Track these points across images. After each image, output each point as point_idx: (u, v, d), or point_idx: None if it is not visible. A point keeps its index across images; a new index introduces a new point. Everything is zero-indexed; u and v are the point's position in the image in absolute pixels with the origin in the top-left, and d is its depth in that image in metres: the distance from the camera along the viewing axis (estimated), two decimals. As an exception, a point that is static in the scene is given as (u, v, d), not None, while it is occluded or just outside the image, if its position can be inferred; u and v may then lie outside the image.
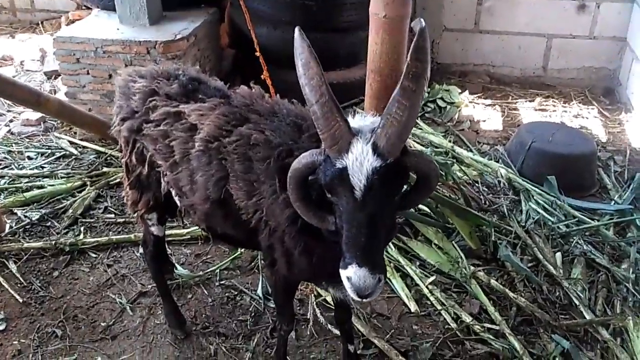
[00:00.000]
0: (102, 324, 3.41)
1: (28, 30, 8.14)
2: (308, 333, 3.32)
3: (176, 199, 2.79)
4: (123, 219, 4.31)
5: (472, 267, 3.74)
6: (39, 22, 8.19)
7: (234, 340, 3.29)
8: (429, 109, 6.10)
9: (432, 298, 3.55)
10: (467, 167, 4.93)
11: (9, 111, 5.94)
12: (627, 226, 4.21)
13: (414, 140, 5.32)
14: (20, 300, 3.55)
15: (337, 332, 3.27)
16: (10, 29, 8.19)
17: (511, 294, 3.51)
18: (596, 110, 6.27)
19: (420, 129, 5.55)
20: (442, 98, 6.23)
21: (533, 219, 4.23)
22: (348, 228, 1.83)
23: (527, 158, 4.77)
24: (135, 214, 3.05)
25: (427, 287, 3.62)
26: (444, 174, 4.19)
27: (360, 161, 1.77)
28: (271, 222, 2.33)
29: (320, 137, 1.86)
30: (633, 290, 3.57)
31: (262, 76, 3.96)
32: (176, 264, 3.79)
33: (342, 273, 1.86)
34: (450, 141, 5.33)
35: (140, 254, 3.92)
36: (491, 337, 3.26)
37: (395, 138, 1.76)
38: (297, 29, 1.88)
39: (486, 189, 4.66)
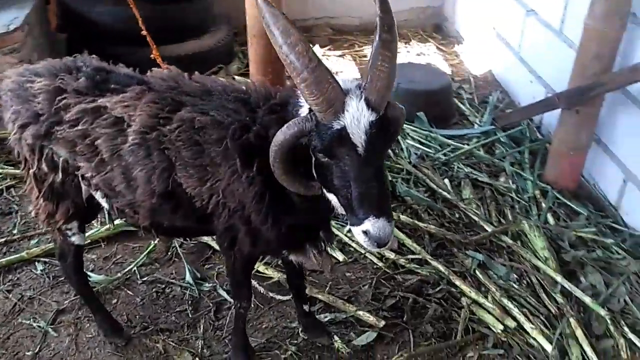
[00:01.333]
0: (28, 354, 3.09)
1: None
2: (252, 305, 3.32)
3: (103, 201, 2.59)
4: (4, 239, 3.86)
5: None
6: None
7: (179, 332, 3.19)
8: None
9: (353, 244, 3.73)
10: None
11: None
12: (493, 144, 4.74)
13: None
14: None
15: (280, 297, 3.34)
16: None
17: (421, 224, 3.82)
18: (433, 46, 6.83)
19: (286, 88, 5.63)
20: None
21: (415, 154, 4.57)
22: (357, 185, 1.87)
23: (395, 99, 5.08)
24: (51, 227, 2.77)
25: (345, 235, 3.79)
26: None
27: (357, 118, 1.82)
28: (230, 204, 2.28)
29: (311, 104, 1.84)
30: (517, 198, 4.08)
31: (151, 56, 3.72)
32: (89, 273, 3.52)
33: (355, 230, 1.91)
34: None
35: (42, 270, 3.58)
36: (417, 266, 3.55)
37: (384, 89, 1.84)
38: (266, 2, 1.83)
39: (365, 135, 4.90)
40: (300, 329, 3.15)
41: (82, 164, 2.44)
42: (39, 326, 3.24)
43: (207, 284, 3.45)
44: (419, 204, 4.04)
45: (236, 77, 5.79)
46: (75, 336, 3.19)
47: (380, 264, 3.59)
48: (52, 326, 3.24)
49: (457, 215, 3.98)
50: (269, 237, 2.34)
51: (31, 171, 2.60)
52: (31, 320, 3.28)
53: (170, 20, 5.50)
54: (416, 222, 3.85)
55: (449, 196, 4.09)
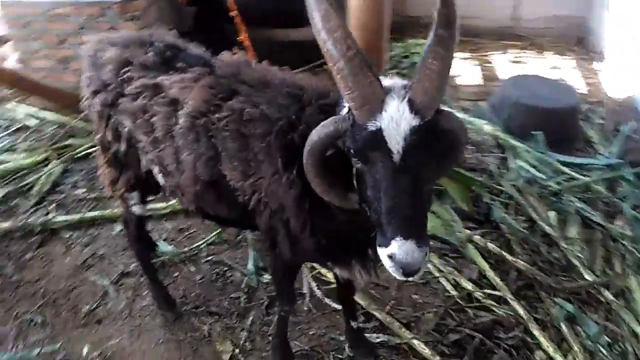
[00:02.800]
0: (85, 308, 3.20)
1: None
2: (305, 308, 3.17)
3: (159, 177, 2.55)
4: (95, 195, 4.04)
5: (467, 231, 3.64)
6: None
7: (227, 319, 3.12)
8: (404, 65, 5.91)
9: (429, 265, 3.44)
10: (451, 125, 4.79)
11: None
12: (616, 181, 4.16)
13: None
14: (-7, 287, 3.31)
15: (335, 305, 3.15)
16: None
17: (509, 257, 3.43)
18: (571, 60, 6.19)
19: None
20: (416, 53, 6.04)
21: (523, 177, 4.14)
22: (388, 198, 1.61)
23: (512, 113, 4.64)
24: (114, 194, 2.80)
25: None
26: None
27: (396, 121, 1.57)
28: (271, 204, 2.13)
29: (346, 99, 1.63)
30: (631, 248, 3.53)
31: (239, 38, 3.66)
32: (159, 242, 3.57)
33: (381, 252, 1.64)
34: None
35: (120, 231, 3.68)
36: (493, 303, 3.18)
37: (433, 92, 1.57)
38: None
39: (473, 147, 4.54)
40: (346, 344, 2.95)
41: (141, 137, 2.41)
42: (103, 284, 3.33)
43: (267, 275, 3.35)
44: (514, 234, 3.64)
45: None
46: (131, 300, 3.24)
47: (454, 293, 3.26)
48: (113, 286, 3.33)
49: (554, 255, 3.52)
50: (307, 246, 2.15)
51: (99, 136, 2.62)
52: (97, 277, 3.38)
53: (289, 4, 5.45)
54: (504, 253, 3.46)
55: (550, 231, 3.63)
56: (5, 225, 3.70)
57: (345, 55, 1.58)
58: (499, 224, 3.72)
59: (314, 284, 3.26)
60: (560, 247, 3.54)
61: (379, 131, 1.59)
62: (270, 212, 2.17)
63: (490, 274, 3.35)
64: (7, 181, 4.18)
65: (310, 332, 3.05)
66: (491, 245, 3.53)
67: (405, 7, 6.97)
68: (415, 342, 2.93)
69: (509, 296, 3.20)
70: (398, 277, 1.64)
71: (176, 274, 3.42)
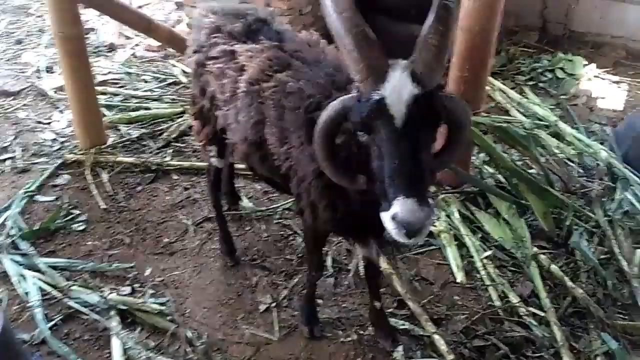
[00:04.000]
0: (165, 240, 3.70)
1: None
2: (347, 283, 3.35)
3: (228, 134, 2.90)
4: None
5: (535, 249, 3.53)
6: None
7: (276, 276, 3.42)
8: (544, 79, 5.69)
9: (482, 272, 3.41)
10: (568, 144, 4.57)
11: (136, 35, 6.41)
12: None
13: (516, 109, 5.03)
14: (103, 207, 3.95)
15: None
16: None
17: (570, 283, 3.28)
18: None
19: (527, 98, 5.21)
20: (562, 68, 5.76)
21: (623, 209, 3.85)
22: (389, 161, 1.76)
23: (634, 145, 4.30)
24: (198, 144, 3.22)
25: (481, 260, 3.48)
26: (528, 150, 3.87)
27: (399, 89, 1.74)
28: (299, 172, 2.36)
29: (352, 73, 1.82)
30: None
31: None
32: (243, 197, 3.98)
33: (384, 216, 1.77)
34: (556, 115, 4.95)
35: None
36: (534, 322, 3.09)
37: (433, 63, 1.74)
38: None
39: (581, 171, 4.30)
40: (370, 323, 3.09)
41: (219, 96, 2.77)
42: (186, 223, 3.82)
43: (325, 247, 3.57)
44: (585, 262, 3.45)
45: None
46: (203, 242, 3.68)
47: (497, 303, 3.22)
48: (194, 227, 3.79)
49: (621, 291, 3.29)
50: (324, 217, 2.35)
51: (191, 90, 3.04)
52: (184, 216, 3.88)
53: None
54: (565, 278, 3.31)
55: (626, 267, 3.38)
56: (130, 159, 4.36)
57: (351, 31, 1.78)
58: (574, 249, 3.55)
59: (362, 263, 3.43)
60: (631, 285, 3.29)
61: (382, 99, 1.75)
62: (298, 179, 2.40)
63: (543, 294, 3.24)
64: (145, 124, 4.88)
65: (343, 305, 3.23)
66: (554, 268, 3.39)
67: (569, 20, 6.63)
68: (437, 337, 2.97)
69: (553, 319, 3.08)
70: (402, 240, 1.76)
71: (248, 228, 3.79)
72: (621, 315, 3.14)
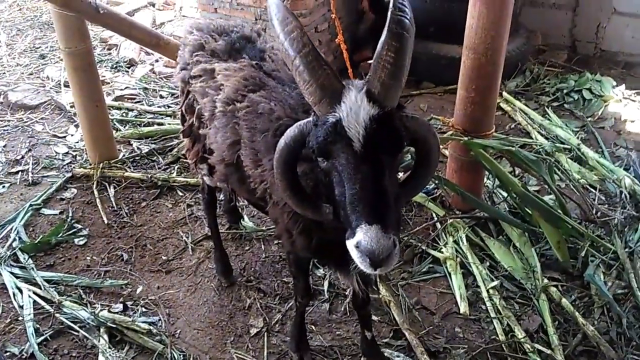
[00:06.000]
0: (163, 257, 3.64)
1: (199, -21, 8.71)
2: (342, 309, 3.22)
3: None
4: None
5: (546, 280, 3.33)
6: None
7: (270, 299, 3.31)
8: (570, 100, 5.45)
9: (488, 303, 3.23)
10: (590, 169, 4.35)
11: (157, 51, 6.45)
12: None
13: (537, 131, 4.83)
14: (106, 222, 3.92)
15: (373, 316, 3.14)
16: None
17: (581, 319, 3.07)
18: None
19: (549, 119, 5.00)
20: (589, 89, 5.51)
21: (645, 246, 3.62)
22: (351, 187, 1.67)
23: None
24: (189, 161, 3.16)
25: (487, 290, 3.30)
26: (540, 175, 3.68)
27: (355, 110, 1.65)
28: (274, 196, 2.26)
29: (306, 96, 1.74)
30: None
31: (336, 40, 3.79)
32: (245, 216, 3.89)
33: (348, 244, 1.68)
34: (579, 138, 4.73)
35: (220, 199, 4.09)
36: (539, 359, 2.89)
37: (389, 81, 1.65)
38: None
39: (603, 198, 4.08)
40: (361, 353, 2.95)
41: (203, 114, 2.70)
42: (185, 241, 3.76)
43: (322, 271, 3.46)
44: (600, 297, 3.23)
45: (506, 95, 5.36)
46: (201, 261, 3.61)
47: (501, 337, 3.03)
48: (193, 245, 3.73)
49: (637, 330, 3.05)
50: (299, 243, 2.24)
51: (180, 107, 2.99)
52: (184, 234, 3.82)
53: (456, 18, 5.38)
54: (577, 314, 3.10)
55: (644, 305, 3.16)
56: (137, 175, 4.34)
57: (300, 52, 1.70)
58: (588, 282, 3.33)
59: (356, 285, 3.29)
60: (646, 328, 3.06)
61: (339, 122, 1.66)
62: (273, 203, 2.30)
63: (551, 330, 3.04)
64: (156, 140, 4.87)
65: (337, 332, 3.10)
66: (565, 302, 3.18)
67: (600, 39, 6.39)
68: (431, 372, 2.82)
69: (560, 357, 2.88)
70: (367, 270, 1.66)
71: (247, 247, 3.70)
72: (635, 357, 2.91)
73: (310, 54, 1.68)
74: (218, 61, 2.60)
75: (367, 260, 1.62)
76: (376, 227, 1.60)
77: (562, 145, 4.59)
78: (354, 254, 1.66)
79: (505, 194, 3.93)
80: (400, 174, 2.66)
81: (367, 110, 1.65)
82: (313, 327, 3.12)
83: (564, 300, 3.20)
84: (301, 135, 1.78)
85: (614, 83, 5.64)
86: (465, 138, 3.54)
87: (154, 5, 7.64)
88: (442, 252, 3.55)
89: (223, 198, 3.79)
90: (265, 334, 3.09)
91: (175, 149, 4.70)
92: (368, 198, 1.64)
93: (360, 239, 1.61)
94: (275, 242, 3.71)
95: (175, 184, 4.28)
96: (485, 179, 3.99)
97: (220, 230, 3.60)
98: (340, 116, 1.66)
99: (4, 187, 4.30)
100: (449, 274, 3.43)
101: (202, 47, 2.71)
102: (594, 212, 3.87)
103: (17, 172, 4.47)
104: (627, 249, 3.55)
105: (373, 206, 1.64)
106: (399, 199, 1.83)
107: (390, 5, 1.66)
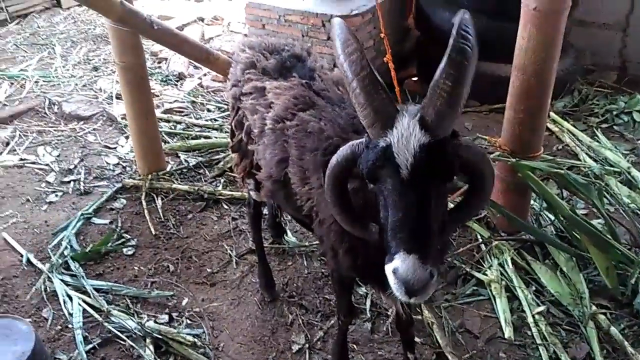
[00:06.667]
0: (208, 270, 3.70)
1: (247, -6, 8.86)
2: (384, 329, 3.22)
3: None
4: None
5: (594, 307, 3.25)
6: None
7: (312, 315, 3.33)
8: (620, 122, 5.34)
9: (534, 329, 3.17)
10: (640, 194, 4.24)
11: (205, 66, 6.59)
12: None
13: (586, 153, 4.74)
14: (153, 233, 4.01)
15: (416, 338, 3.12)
16: (231, -9, 9.01)
17: (630, 349, 2.99)
18: None
19: (598, 141, 4.90)
20: (638, 111, 5.38)
21: None
22: (394, 213, 1.67)
23: None
24: (237, 176, 3.22)
25: (533, 316, 3.25)
26: (589, 199, 3.60)
27: (406, 137, 1.64)
28: (320, 215, 2.28)
29: (361, 117, 1.75)
30: None
31: (384, 59, 3.80)
32: (288, 231, 3.93)
33: (387, 269, 1.69)
34: (630, 161, 4.62)
35: (264, 214, 4.14)
36: (585, 390, 2.83)
37: (444, 111, 1.63)
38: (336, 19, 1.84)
39: (652, 223, 3.96)
40: (404, 375, 2.93)
41: (253, 130, 2.75)
42: (230, 254, 3.81)
43: (364, 289, 3.46)
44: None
45: (554, 115, 5.27)
46: (244, 275, 3.65)
47: (548, 365, 2.98)
48: (237, 258, 3.78)
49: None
50: (344, 262, 2.25)
51: (230, 122, 3.05)
52: (229, 247, 3.88)
53: (503, 37, 5.34)
54: (626, 343, 3.02)
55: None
56: (184, 187, 4.43)
57: (358, 75, 1.72)
58: (638, 311, 3.24)
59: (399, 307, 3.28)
60: (703, 358, 2.95)
61: (389, 147, 1.66)
62: (319, 221, 2.33)
63: (599, 359, 2.97)
64: (203, 153, 4.96)
65: (379, 352, 3.09)
66: (614, 330, 3.10)
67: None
68: (474, 397, 2.78)
69: (605, 390, 2.81)
70: (402, 298, 1.67)
71: (290, 263, 3.73)
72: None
73: (368, 77, 1.70)
74: (269, 79, 2.66)
75: (402, 288, 1.62)
76: (414, 257, 1.60)
77: (611, 168, 4.49)
78: (391, 279, 1.67)
79: (552, 217, 3.87)
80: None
81: (418, 138, 1.64)
82: (355, 347, 3.12)
83: (612, 328, 3.12)
84: (353, 155, 1.80)
85: (665, 105, 5.49)
86: (513, 159, 3.51)
87: (202, 20, 7.81)
88: (486, 275, 3.52)
89: (268, 213, 3.83)
90: (307, 351, 3.11)
91: (222, 163, 4.79)
92: (409, 226, 1.64)
93: (398, 266, 1.62)
94: (318, 258, 3.73)
95: (220, 197, 4.35)
96: (532, 201, 3.93)
97: (264, 245, 3.65)
98: (391, 141, 1.66)
99: (57, 195, 4.45)
100: (494, 297, 3.39)
101: (254, 65, 2.77)
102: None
103: (69, 182, 4.62)
104: (679, 278, 3.43)
105: (413, 235, 1.63)
106: (446, 228, 1.82)
107: (454, 30, 1.64)
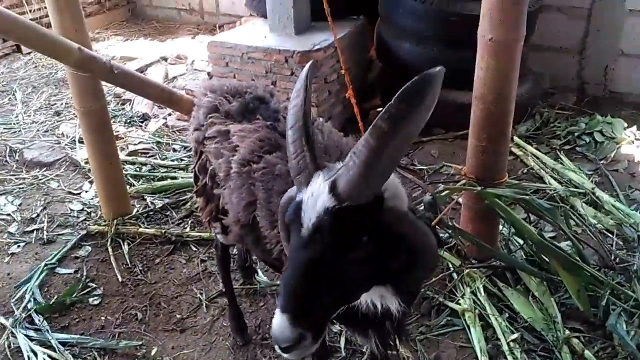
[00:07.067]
0: (178, 316, 3.60)
1: (210, 32, 8.92)
2: (359, 369, 3.17)
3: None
4: (229, 219, 4.52)
5: (568, 332, 3.25)
6: (220, 25, 8.93)
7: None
8: (582, 143, 5.45)
9: (509, 358, 3.15)
10: (606, 214, 4.30)
11: (170, 105, 6.56)
12: None
13: (550, 175, 4.81)
14: (120, 280, 3.91)
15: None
16: (195, 30, 9.07)
17: (610, 371, 2.99)
18: None
19: (562, 163, 4.98)
20: (601, 131, 5.51)
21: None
22: (287, 268, 1.67)
23: None
24: (203, 220, 3.17)
25: (508, 343, 3.23)
26: (555, 222, 3.63)
27: (315, 197, 1.63)
28: None
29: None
30: None
31: (346, 95, 3.84)
32: (259, 270, 3.87)
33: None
34: (593, 182, 4.70)
35: (233, 254, 4.08)
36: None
37: (356, 180, 1.56)
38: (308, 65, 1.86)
39: (620, 243, 4.02)
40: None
41: (219, 175, 2.72)
42: (200, 298, 3.73)
43: (338, 327, 3.40)
44: (623, 348, 3.14)
45: (517, 139, 5.36)
46: (215, 319, 3.56)
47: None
48: (207, 302, 3.69)
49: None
50: None
51: (193, 167, 3.01)
52: (199, 291, 3.79)
53: (465, 65, 5.43)
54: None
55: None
56: (150, 230, 4.35)
57: (293, 127, 1.78)
58: (611, 332, 3.25)
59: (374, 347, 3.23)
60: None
61: (300, 203, 1.67)
62: None
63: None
64: (170, 194, 4.90)
65: (355, 392, 3.04)
66: (588, 353, 3.10)
67: (608, 81, 6.43)
68: None
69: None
70: (278, 350, 1.65)
71: (261, 303, 3.66)
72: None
73: (299, 130, 1.75)
74: (232, 122, 2.64)
75: (274, 340, 1.63)
76: (285, 317, 1.58)
77: (576, 190, 4.56)
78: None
79: (521, 242, 3.89)
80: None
81: (324, 201, 1.61)
82: (331, 387, 3.05)
83: (586, 351, 3.12)
84: (289, 199, 1.81)
85: (625, 124, 5.65)
86: (479, 188, 3.53)
87: (166, 60, 7.80)
88: (459, 304, 3.50)
89: (237, 254, 3.77)
90: (282, 395, 3.03)
91: (189, 203, 4.72)
92: (290, 286, 1.61)
93: (273, 321, 1.62)
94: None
95: (189, 238, 4.28)
96: (500, 227, 3.95)
97: (234, 286, 3.57)
98: (303, 198, 1.67)
99: (19, 246, 4.32)
100: (468, 326, 3.37)
101: (217, 108, 2.75)
102: (612, 258, 3.82)
103: (32, 231, 4.49)
104: (649, 297, 3.47)
105: (291, 295, 1.60)
106: (345, 297, 1.76)
107: (399, 92, 1.50)
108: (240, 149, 2.46)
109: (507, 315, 3.44)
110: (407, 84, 1.52)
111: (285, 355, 1.65)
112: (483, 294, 3.55)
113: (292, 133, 1.75)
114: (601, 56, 6.30)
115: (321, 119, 2.66)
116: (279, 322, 1.58)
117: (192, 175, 4.92)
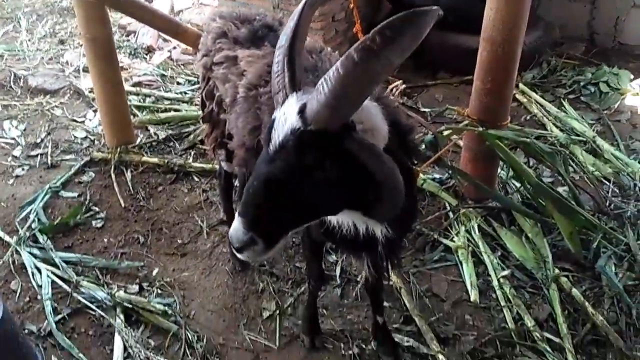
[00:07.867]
0: (179, 241, 3.70)
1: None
2: (354, 295, 3.26)
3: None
4: (232, 152, 4.57)
5: (557, 271, 3.34)
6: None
7: (283, 283, 3.36)
8: (587, 92, 5.42)
9: (499, 292, 3.25)
10: (605, 162, 4.34)
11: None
12: None
13: (553, 123, 4.82)
14: (123, 205, 3.99)
15: (386, 302, 3.18)
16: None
17: (591, 310, 3.08)
18: None
19: (565, 112, 4.99)
20: (606, 82, 5.48)
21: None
22: (251, 176, 1.75)
23: None
24: (208, 147, 3.21)
25: (498, 279, 3.33)
26: (554, 167, 3.66)
27: (285, 117, 1.69)
28: None
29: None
30: None
31: (354, 30, 3.81)
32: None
33: None
34: (595, 131, 4.72)
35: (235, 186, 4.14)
36: (548, 348, 2.92)
37: (322, 106, 1.58)
38: None
39: (617, 190, 4.07)
40: (371, 337, 2.99)
41: (225, 100, 2.74)
42: (201, 225, 3.82)
43: (334, 257, 3.49)
44: (611, 288, 3.24)
45: (522, 86, 5.35)
46: (215, 245, 3.66)
47: (511, 326, 3.05)
48: (208, 229, 3.78)
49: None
50: (314, 226, 2.28)
51: (200, 93, 3.03)
52: (200, 219, 3.87)
53: (473, 9, 5.35)
54: (587, 304, 3.11)
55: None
56: (154, 160, 4.40)
57: (281, 47, 1.82)
58: (600, 273, 3.34)
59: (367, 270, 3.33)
60: (659, 316, 3.07)
61: (274, 121, 1.73)
62: None
63: (560, 319, 3.06)
64: (173, 126, 4.93)
65: (348, 317, 3.14)
66: (575, 292, 3.20)
67: (618, 32, 6.34)
68: (441, 357, 2.85)
69: (568, 346, 2.91)
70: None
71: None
72: (643, 346, 2.94)
73: (286, 51, 1.78)
74: (241, 48, 2.64)
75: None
76: (241, 220, 1.69)
77: (577, 138, 4.59)
78: None
79: (518, 185, 3.95)
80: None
81: (292, 122, 1.66)
82: (325, 312, 3.16)
83: (574, 290, 3.22)
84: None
85: (632, 76, 5.60)
86: (481, 128, 3.55)
87: (172, -8, 7.67)
88: (454, 241, 3.58)
89: (238, 184, 3.83)
90: (278, 317, 3.15)
91: (192, 135, 4.76)
92: (249, 195, 1.70)
93: (232, 223, 1.73)
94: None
95: (191, 169, 4.33)
96: (499, 170, 4.00)
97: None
98: (276, 116, 1.73)
99: (23, 169, 4.38)
100: (460, 262, 3.46)
101: (225, 34, 2.75)
102: (607, 204, 3.88)
103: (36, 155, 4.55)
104: (639, 241, 3.55)
105: (249, 203, 1.70)
106: (305, 215, 1.81)
107: (381, 24, 1.47)
108: (247, 74, 2.47)
109: (499, 253, 3.53)
110: (391, 18, 1.49)
111: (238, 255, 1.78)
112: (477, 233, 3.63)
113: (278, 53, 1.80)
114: (613, 7, 6.19)
115: (329, 48, 2.65)
116: (235, 224, 1.71)
117: (196, 108, 5.04)
